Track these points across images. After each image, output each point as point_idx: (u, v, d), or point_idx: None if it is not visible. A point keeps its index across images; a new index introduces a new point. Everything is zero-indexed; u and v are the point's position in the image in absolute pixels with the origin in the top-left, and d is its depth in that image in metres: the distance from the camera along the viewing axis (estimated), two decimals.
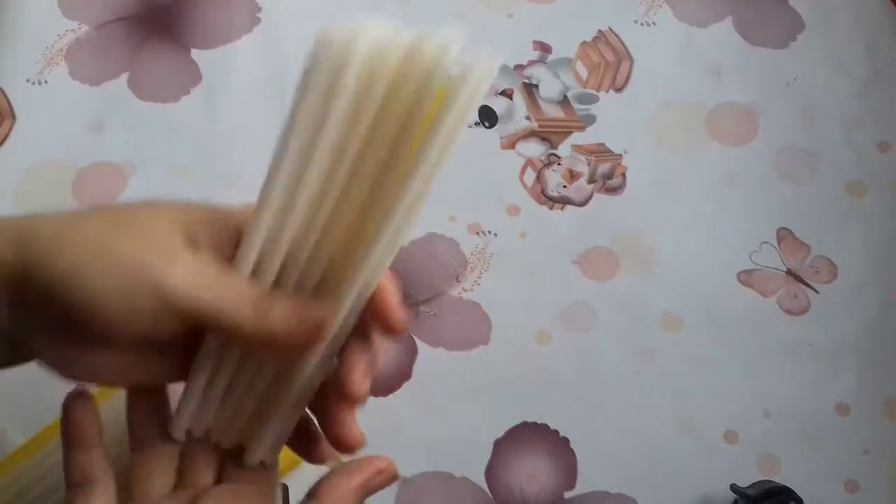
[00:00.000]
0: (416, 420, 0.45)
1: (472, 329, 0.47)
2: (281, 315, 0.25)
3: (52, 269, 0.24)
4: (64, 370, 0.26)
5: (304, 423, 0.30)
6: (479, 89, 0.23)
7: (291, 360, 0.27)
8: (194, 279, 0.25)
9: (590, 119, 0.52)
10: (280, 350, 0.26)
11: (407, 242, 0.47)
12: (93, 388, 0.29)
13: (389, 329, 0.27)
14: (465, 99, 0.23)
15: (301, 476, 0.44)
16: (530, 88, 0.53)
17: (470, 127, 0.51)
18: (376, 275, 0.26)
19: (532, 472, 0.44)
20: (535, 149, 0.51)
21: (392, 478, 0.29)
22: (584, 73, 0.53)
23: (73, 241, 0.24)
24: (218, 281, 0.25)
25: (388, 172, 0.24)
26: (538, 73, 0.53)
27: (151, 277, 0.24)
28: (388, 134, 0.24)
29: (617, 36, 0.54)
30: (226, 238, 0.26)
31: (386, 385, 0.46)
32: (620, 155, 0.51)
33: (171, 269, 0.24)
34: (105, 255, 0.24)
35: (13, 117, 0.52)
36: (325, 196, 0.25)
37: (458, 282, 0.48)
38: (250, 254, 0.26)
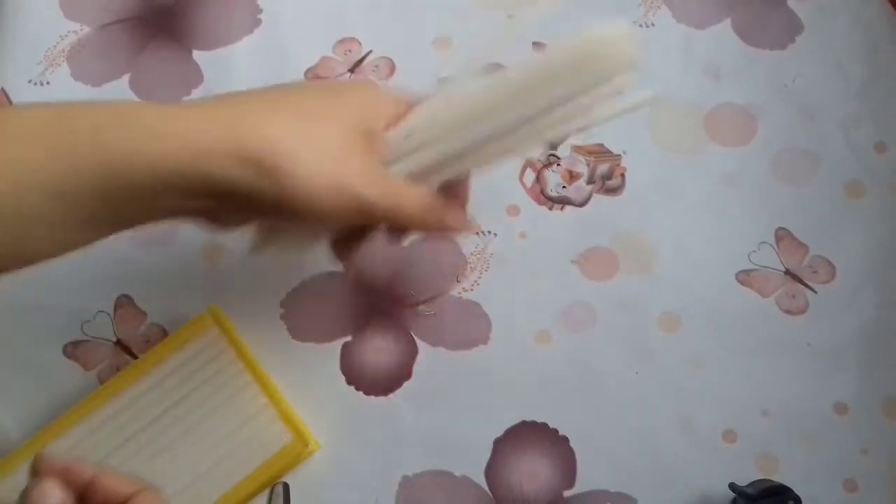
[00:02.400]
0: (416, 420, 0.45)
1: (472, 329, 0.47)
2: (438, 216, 0.37)
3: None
4: (227, 228, 0.36)
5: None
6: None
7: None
8: (382, 188, 0.34)
9: None
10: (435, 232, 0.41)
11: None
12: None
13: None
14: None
15: (301, 476, 0.44)
16: None
17: None
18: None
19: (532, 471, 0.45)
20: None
21: None
22: None
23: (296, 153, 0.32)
24: (395, 187, 0.35)
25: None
26: None
27: (352, 188, 0.33)
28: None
29: None
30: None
31: (386, 385, 0.46)
32: (619, 155, 0.51)
33: (364, 180, 0.33)
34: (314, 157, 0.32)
35: None
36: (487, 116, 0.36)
37: (458, 282, 0.48)
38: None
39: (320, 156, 0.32)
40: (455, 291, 0.48)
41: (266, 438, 0.43)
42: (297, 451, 0.43)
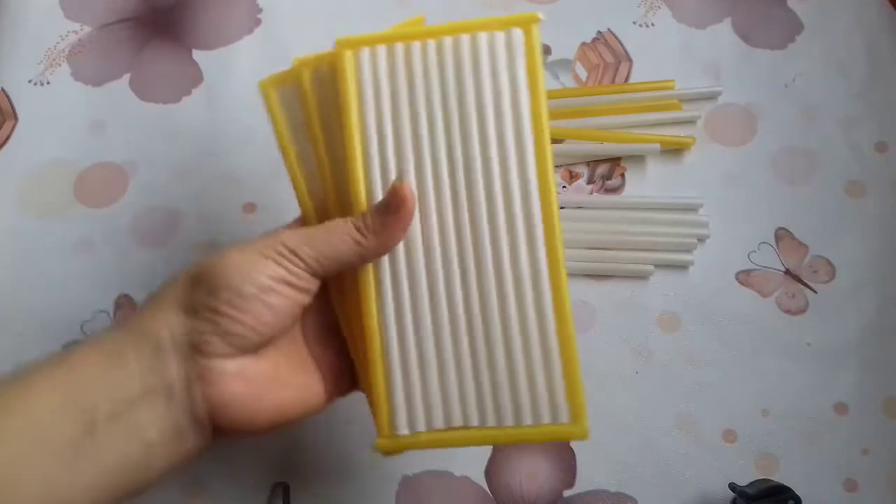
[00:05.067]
0: None
1: None
2: (373, 214, 0.33)
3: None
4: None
5: None
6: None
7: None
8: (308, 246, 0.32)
9: None
10: (395, 232, 0.33)
11: None
12: None
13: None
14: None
15: (301, 476, 0.44)
16: None
17: None
18: None
19: (532, 470, 0.45)
20: None
21: None
22: (583, 74, 0.53)
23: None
24: (317, 233, 0.32)
25: None
26: None
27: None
28: None
29: (616, 37, 0.54)
30: None
31: None
32: (619, 156, 0.51)
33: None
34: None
35: (15, 118, 0.53)
36: None
37: None
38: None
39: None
40: None
41: None
42: None
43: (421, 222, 0.34)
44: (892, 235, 0.49)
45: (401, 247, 0.33)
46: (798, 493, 0.41)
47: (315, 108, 0.36)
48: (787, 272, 0.48)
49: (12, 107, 0.53)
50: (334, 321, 0.36)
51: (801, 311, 0.48)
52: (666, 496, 0.44)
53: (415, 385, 0.34)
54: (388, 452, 0.34)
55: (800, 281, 0.48)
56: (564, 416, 0.33)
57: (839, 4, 0.55)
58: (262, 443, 0.46)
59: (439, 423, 0.33)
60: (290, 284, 0.31)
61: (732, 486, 0.42)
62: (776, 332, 0.47)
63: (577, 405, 0.33)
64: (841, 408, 0.45)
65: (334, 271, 0.32)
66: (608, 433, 0.45)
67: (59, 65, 0.54)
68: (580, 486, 0.44)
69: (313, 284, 0.32)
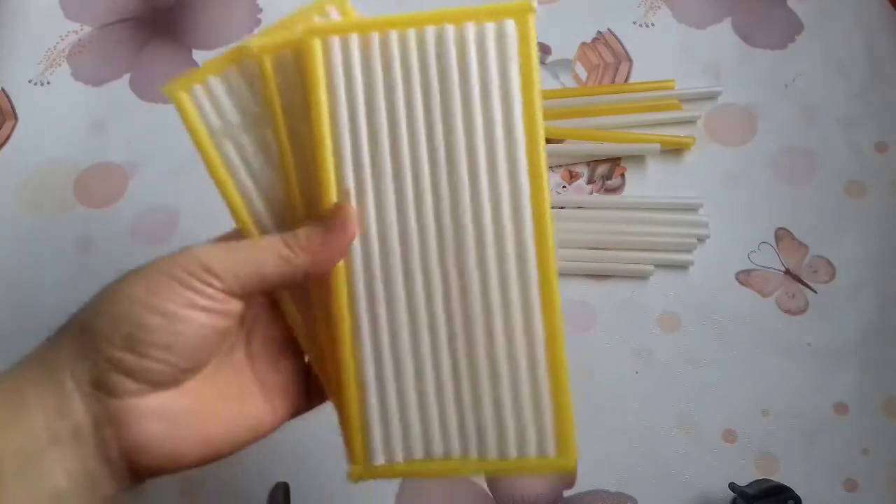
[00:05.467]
0: None
1: None
2: (309, 231, 0.29)
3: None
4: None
5: None
6: None
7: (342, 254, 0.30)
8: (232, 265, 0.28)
9: None
10: (333, 251, 0.30)
11: None
12: None
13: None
14: None
15: (301, 476, 0.44)
16: None
17: None
18: None
19: None
20: None
21: None
22: (583, 73, 0.53)
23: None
24: (238, 248, 0.29)
25: None
26: None
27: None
28: None
29: (616, 37, 0.54)
30: None
31: None
32: (619, 156, 0.51)
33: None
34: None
35: (15, 118, 0.53)
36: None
37: None
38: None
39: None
40: None
41: None
42: None
43: (399, 226, 0.30)
44: (892, 235, 0.49)
45: (376, 252, 0.30)
46: (798, 493, 0.41)
47: (277, 101, 0.32)
48: (787, 272, 0.48)
49: (12, 107, 0.53)
50: (288, 335, 0.32)
51: (801, 311, 0.48)
52: (666, 496, 0.44)
53: (392, 410, 0.31)
54: (360, 480, 0.32)
55: (800, 281, 0.48)
56: (551, 449, 0.30)
57: (839, 4, 0.55)
58: (262, 442, 0.45)
59: (418, 453, 0.31)
60: (202, 309, 0.27)
61: (732, 486, 0.42)
62: (776, 332, 0.47)
63: (566, 435, 0.30)
64: (841, 408, 0.45)
65: (258, 291, 0.29)
66: (608, 433, 0.45)
67: (59, 65, 0.54)
68: (580, 485, 0.44)
69: (233, 305, 0.28)
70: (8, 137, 0.52)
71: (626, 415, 0.46)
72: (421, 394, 0.31)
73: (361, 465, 0.31)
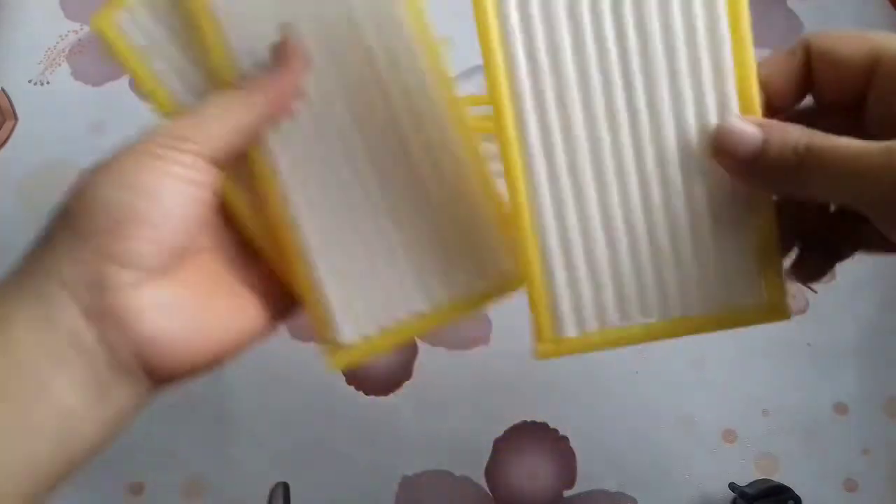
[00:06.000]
0: (416, 419, 0.45)
1: (472, 329, 0.47)
2: (255, 75, 0.28)
3: None
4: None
5: None
6: None
7: None
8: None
9: None
10: (285, 87, 0.29)
11: None
12: None
13: None
14: None
15: (301, 476, 0.44)
16: None
17: None
18: None
19: (532, 470, 0.45)
20: None
21: None
22: None
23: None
24: (204, 107, 0.28)
25: None
26: None
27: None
28: None
29: None
30: None
31: (386, 385, 0.46)
32: None
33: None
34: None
35: (15, 118, 0.53)
36: None
37: None
38: None
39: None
40: None
41: None
42: None
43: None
44: None
45: (552, 101, 0.26)
46: (798, 493, 0.41)
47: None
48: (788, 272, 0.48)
49: (12, 107, 0.53)
50: (250, 249, 0.31)
51: (802, 311, 0.48)
52: (666, 497, 0.44)
53: (579, 268, 0.27)
54: (548, 357, 0.28)
55: None
56: (760, 296, 0.27)
57: (839, 4, 0.55)
58: (262, 442, 0.46)
59: (612, 319, 0.28)
60: (184, 179, 0.26)
61: (732, 487, 0.42)
62: (777, 332, 0.47)
63: (775, 282, 0.27)
64: (841, 408, 0.45)
65: (231, 149, 0.28)
66: (608, 432, 0.45)
67: (59, 64, 0.54)
68: (580, 486, 0.44)
69: (212, 175, 0.27)
70: (8, 137, 0.52)
71: (626, 414, 0.46)
72: (612, 249, 0.27)
73: (549, 342, 0.28)
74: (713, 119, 0.26)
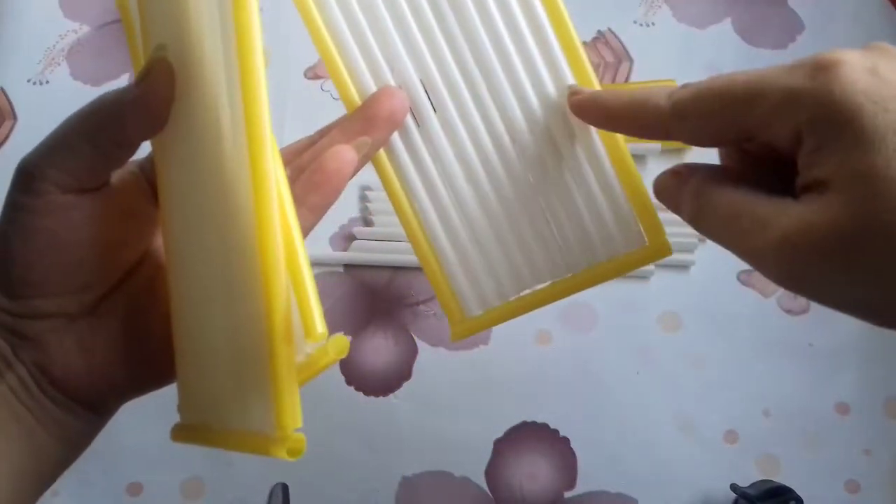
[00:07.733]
0: (416, 420, 0.45)
1: None
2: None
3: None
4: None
5: None
6: None
7: None
8: None
9: None
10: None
11: None
12: None
13: None
14: None
15: (301, 476, 0.44)
16: None
17: None
18: None
19: (532, 471, 0.44)
20: None
21: None
22: None
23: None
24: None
25: None
26: None
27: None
28: None
29: (616, 37, 0.54)
30: None
31: (386, 385, 0.46)
32: None
33: None
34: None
35: (14, 117, 0.53)
36: None
37: None
38: None
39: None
40: None
41: None
42: None
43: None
44: None
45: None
46: (800, 494, 0.41)
47: None
48: None
49: (11, 106, 0.53)
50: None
51: (803, 311, 0.47)
52: (667, 497, 0.44)
53: (471, 257, 0.31)
54: (461, 338, 0.32)
55: None
56: (640, 240, 0.30)
57: (839, 4, 0.55)
58: None
59: (511, 292, 0.31)
60: (45, 213, 0.26)
61: (734, 487, 0.41)
62: (778, 332, 0.47)
63: (650, 221, 0.30)
64: (842, 408, 0.45)
65: (109, 153, 0.27)
66: (608, 433, 0.45)
67: (59, 64, 0.54)
68: (581, 486, 0.44)
69: (69, 199, 0.27)
70: (7, 137, 0.52)
71: (627, 415, 0.45)
72: (494, 227, 0.31)
73: (460, 323, 0.31)
74: (551, 90, 0.30)
